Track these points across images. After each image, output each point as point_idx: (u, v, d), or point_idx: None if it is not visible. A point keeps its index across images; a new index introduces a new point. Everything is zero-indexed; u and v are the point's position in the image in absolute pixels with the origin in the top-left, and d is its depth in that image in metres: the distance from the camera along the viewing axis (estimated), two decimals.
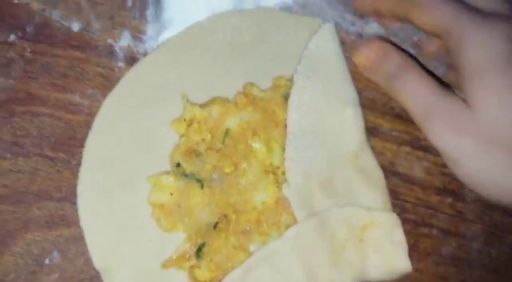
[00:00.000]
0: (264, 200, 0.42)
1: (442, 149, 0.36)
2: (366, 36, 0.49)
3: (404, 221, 0.44)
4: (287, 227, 0.41)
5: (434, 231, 0.46)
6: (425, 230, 0.46)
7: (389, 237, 0.42)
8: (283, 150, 0.42)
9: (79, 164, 0.42)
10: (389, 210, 0.43)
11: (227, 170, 0.41)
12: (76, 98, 0.43)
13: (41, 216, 0.40)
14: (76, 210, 0.41)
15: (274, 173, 0.42)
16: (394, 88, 0.38)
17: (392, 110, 0.48)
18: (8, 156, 0.41)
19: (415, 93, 0.36)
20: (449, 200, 0.46)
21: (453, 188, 0.47)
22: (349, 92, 0.44)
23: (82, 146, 0.42)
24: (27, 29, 0.43)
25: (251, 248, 0.42)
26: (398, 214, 0.44)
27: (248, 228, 0.41)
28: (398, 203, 0.46)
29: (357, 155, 0.43)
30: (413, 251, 0.44)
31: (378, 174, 0.44)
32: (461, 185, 0.47)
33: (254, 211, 0.42)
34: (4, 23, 0.43)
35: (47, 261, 0.40)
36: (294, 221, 0.41)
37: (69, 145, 0.42)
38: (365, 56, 0.40)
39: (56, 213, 0.41)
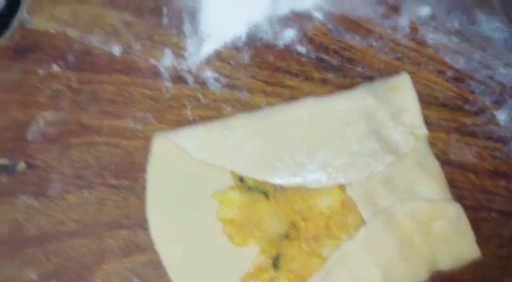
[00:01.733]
0: (329, 203, 0.44)
1: None
2: (400, 27, 0.55)
3: (463, 207, 0.47)
4: (356, 227, 0.44)
5: (493, 214, 0.49)
6: (484, 214, 0.49)
7: (455, 227, 0.45)
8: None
9: (143, 188, 0.44)
10: (450, 200, 0.46)
11: None
12: (129, 123, 0.45)
13: (115, 245, 0.43)
14: (148, 235, 0.43)
15: None
16: None
17: (437, 99, 0.53)
18: (72, 189, 0.43)
19: None
20: (503, 182, 0.50)
21: (504, 170, 0.50)
22: None
23: (143, 170, 0.44)
24: (69, 58, 0.45)
25: (324, 252, 0.44)
26: (457, 201, 0.50)
27: (318, 234, 0.44)
28: (455, 190, 0.48)
29: (414, 148, 0.47)
30: (475, 235, 0.47)
31: (435, 165, 0.47)
32: None
33: (321, 216, 0.44)
34: (44, 55, 0.44)
35: None
36: (361, 221, 0.44)
37: (130, 171, 0.44)
38: None
39: (129, 240, 0.43)
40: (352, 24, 0.51)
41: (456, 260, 0.46)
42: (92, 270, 0.42)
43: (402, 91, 0.48)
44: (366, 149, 0.46)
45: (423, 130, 0.48)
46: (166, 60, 0.47)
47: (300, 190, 0.46)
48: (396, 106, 0.48)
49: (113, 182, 0.44)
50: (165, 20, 0.48)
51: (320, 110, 0.47)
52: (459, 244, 0.46)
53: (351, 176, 0.45)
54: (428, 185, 0.47)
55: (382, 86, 0.48)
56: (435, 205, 0.46)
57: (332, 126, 0.46)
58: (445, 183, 0.48)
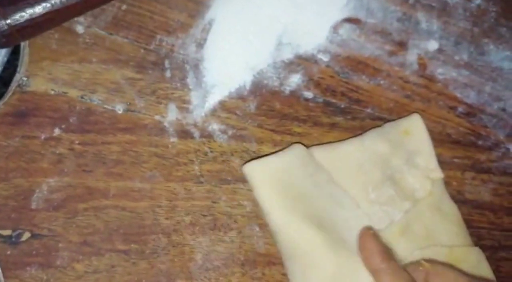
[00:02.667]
0: None
1: None
2: (408, 64, 0.53)
3: (482, 248, 0.45)
4: None
5: None
6: (504, 253, 0.47)
7: (476, 273, 0.43)
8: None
9: (153, 252, 0.42)
10: (470, 245, 0.44)
11: None
12: (136, 183, 0.43)
13: None
14: None
15: None
16: None
17: (449, 137, 0.51)
18: (81, 257, 0.41)
19: None
20: None
21: None
22: None
23: (152, 232, 0.42)
24: (71, 120, 0.43)
25: None
26: (476, 243, 0.49)
27: None
28: (473, 231, 0.47)
29: (430, 192, 0.46)
30: (496, 276, 0.45)
31: (453, 209, 0.45)
32: None
33: None
34: (45, 118, 0.42)
35: None
36: None
37: (139, 234, 0.42)
38: None
39: None
40: (359, 64, 0.49)
41: None
42: None
43: (415, 134, 0.46)
44: (383, 196, 0.44)
45: (438, 174, 0.46)
46: (171, 115, 0.45)
47: None
48: (409, 150, 0.46)
49: (122, 247, 0.42)
50: (168, 73, 0.46)
51: (336, 161, 0.45)
52: None
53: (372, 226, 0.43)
54: (447, 230, 0.45)
55: (394, 130, 0.47)
56: (455, 251, 0.44)
57: (348, 175, 0.45)
58: (464, 227, 0.46)
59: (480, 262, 0.44)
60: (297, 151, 0.43)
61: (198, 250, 0.43)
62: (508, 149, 0.51)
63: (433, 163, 0.46)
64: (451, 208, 0.46)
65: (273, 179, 0.42)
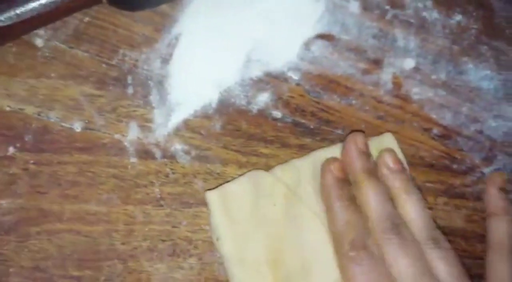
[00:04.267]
0: None
1: None
2: (383, 83, 0.51)
3: None
4: None
5: None
6: None
7: None
8: None
9: (107, 279, 0.40)
10: None
11: None
12: (92, 206, 0.41)
13: None
14: None
15: None
16: None
17: (423, 160, 0.49)
18: None
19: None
20: None
21: None
22: None
23: (107, 258, 0.40)
24: (26, 139, 0.41)
25: None
26: None
27: None
28: None
29: None
30: None
31: None
32: None
33: None
34: None
35: None
36: None
37: (94, 260, 0.40)
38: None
39: None
40: (331, 83, 0.47)
41: None
42: None
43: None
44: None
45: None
46: (132, 134, 0.43)
47: None
48: None
49: (75, 273, 0.40)
50: (130, 90, 0.43)
51: (298, 179, 0.43)
52: None
53: None
54: None
55: None
56: None
57: (313, 194, 0.43)
58: None
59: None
60: (257, 176, 0.41)
61: (155, 277, 0.41)
62: (483, 173, 0.49)
63: None
64: None
65: (230, 206, 0.40)
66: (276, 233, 0.41)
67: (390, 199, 0.39)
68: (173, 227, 0.42)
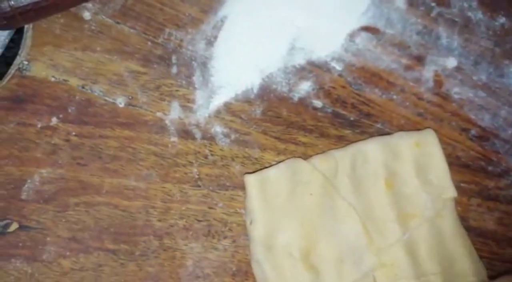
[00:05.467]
0: None
1: None
2: (424, 80, 0.50)
3: None
4: None
5: None
6: None
7: None
8: None
9: (142, 254, 0.40)
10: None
11: None
12: (131, 181, 0.41)
13: None
14: None
15: None
16: None
17: (459, 160, 0.49)
18: (68, 253, 0.39)
19: None
20: None
21: None
22: None
23: (143, 234, 0.40)
24: (69, 110, 0.41)
25: None
26: None
27: None
28: None
29: (440, 213, 0.43)
30: None
31: (463, 233, 0.43)
32: None
33: None
34: (43, 106, 0.40)
35: None
36: None
37: (130, 235, 0.40)
38: None
39: None
40: (373, 76, 0.46)
41: None
42: None
43: (427, 149, 0.44)
44: (389, 211, 0.42)
45: (451, 193, 0.43)
46: (174, 113, 0.43)
47: None
48: (420, 164, 0.43)
49: (111, 246, 0.40)
50: (174, 69, 0.43)
51: (334, 170, 0.42)
52: None
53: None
54: (459, 259, 0.42)
55: (403, 141, 0.44)
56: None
57: (348, 187, 0.42)
58: (473, 252, 0.44)
59: None
60: (296, 164, 0.41)
61: (189, 256, 0.41)
62: None
63: (447, 180, 0.43)
64: (461, 233, 0.43)
65: (267, 191, 0.40)
66: (311, 221, 0.41)
67: None
68: (210, 208, 0.42)
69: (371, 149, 0.42)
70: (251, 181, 0.40)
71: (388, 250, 0.41)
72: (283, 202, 0.40)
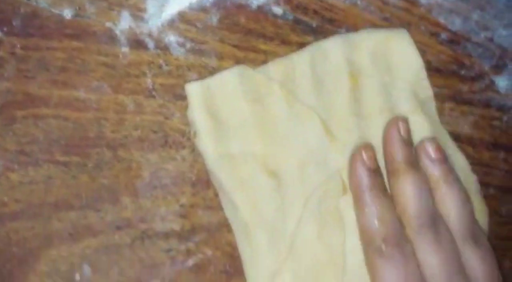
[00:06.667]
0: None
1: None
2: None
3: None
4: None
5: (491, 190, 0.43)
6: (482, 191, 0.42)
7: None
8: None
9: (95, 166, 0.38)
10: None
11: None
12: (81, 93, 0.39)
13: (63, 229, 0.37)
14: (100, 217, 0.37)
15: None
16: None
17: (429, 64, 0.45)
18: (16, 167, 0.37)
19: None
20: (502, 154, 0.43)
21: (504, 141, 0.43)
22: None
23: (96, 146, 0.38)
24: (14, 23, 0.39)
25: None
26: None
27: None
28: None
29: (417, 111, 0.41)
30: None
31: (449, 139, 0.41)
32: None
33: None
34: None
35: (77, 277, 0.37)
36: None
37: (82, 146, 0.38)
38: None
39: (79, 223, 0.37)
40: None
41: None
42: (37, 256, 0.37)
43: (400, 44, 0.41)
44: (354, 108, 0.40)
45: (428, 91, 0.41)
46: (124, 23, 0.40)
47: None
48: (392, 61, 0.41)
49: (62, 158, 0.38)
50: None
51: (293, 75, 0.40)
52: None
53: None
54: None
55: (371, 35, 0.41)
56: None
57: (310, 90, 0.40)
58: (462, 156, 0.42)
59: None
60: (244, 71, 0.38)
61: (145, 166, 0.39)
62: (492, 81, 0.46)
63: (422, 77, 0.41)
64: (443, 132, 0.41)
65: (212, 101, 0.37)
66: (265, 129, 0.38)
67: (429, 191, 0.35)
68: (166, 118, 0.40)
69: (332, 46, 0.40)
70: (192, 89, 0.37)
71: (354, 146, 0.38)
72: (230, 112, 0.38)
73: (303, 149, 0.38)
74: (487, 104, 0.45)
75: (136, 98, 0.39)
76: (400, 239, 0.33)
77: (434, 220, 0.34)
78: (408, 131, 0.37)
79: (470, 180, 0.40)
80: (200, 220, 0.39)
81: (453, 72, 0.45)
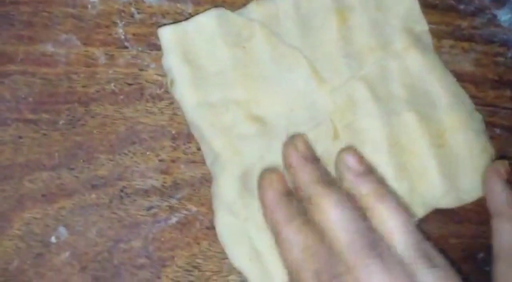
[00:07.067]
0: None
1: None
2: None
3: None
4: None
5: (497, 131, 0.40)
6: (488, 132, 0.42)
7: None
8: None
9: (67, 123, 0.36)
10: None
11: None
12: (49, 47, 0.36)
13: (36, 190, 0.35)
14: (75, 176, 0.35)
15: None
16: None
17: (424, 0, 0.43)
18: None
19: None
20: (508, 92, 0.40)
21: (509, 78, 0.40)
22: None
23: (67, 102, 0.36)
24: None
25: None
26: None
27: None
28: None
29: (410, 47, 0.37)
30: None
31: (449, 75, 0.38)
32: None
33: None
34: None
35: (53, 239, 0.35)
36: None
37: (52, 103, 0.36)
38: None
39: (52, 183, 0.35)
40: None
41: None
42: (10, 219, 0.34)
43: None
44: (343, 49, 0.37)
45: (423, 25, 0.38)
46: None
47: None
48: None
49: (31, 116, 0.35)
50: None
51: (276, 15, 0.37)
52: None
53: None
54: (443, 94, 0.37)
55: None
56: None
57: (294, 30, 0.37)
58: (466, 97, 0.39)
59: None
60: (222, 13, 0.35)
61: (121, 121, 0.36)
62: (494, 15, 0.42)
63: (416, 11, 0.38)
64: (443, 70, 0.37)
65: (188, 46, 0.34)
66: (248, 75, 0.35)
67: (358, 211, 0.29)
68: (140, 70, 0.37)
69: None
70: (165, 34, 0.34)
71: (345, 88, 0.35)
72: (209, 57, 0.35)
73: (290, 93, 0.35)
74: (489, 40, 0.41)
75: (107, 50, 0.37)
76: (337, 272, 0.27)
77: (376, 244, 0.28)
78: (308, 146, 0.32)
79: (475, 120, 0.37)
80: (182, 175, 0.36)
81: (451, 7, 0.41)
